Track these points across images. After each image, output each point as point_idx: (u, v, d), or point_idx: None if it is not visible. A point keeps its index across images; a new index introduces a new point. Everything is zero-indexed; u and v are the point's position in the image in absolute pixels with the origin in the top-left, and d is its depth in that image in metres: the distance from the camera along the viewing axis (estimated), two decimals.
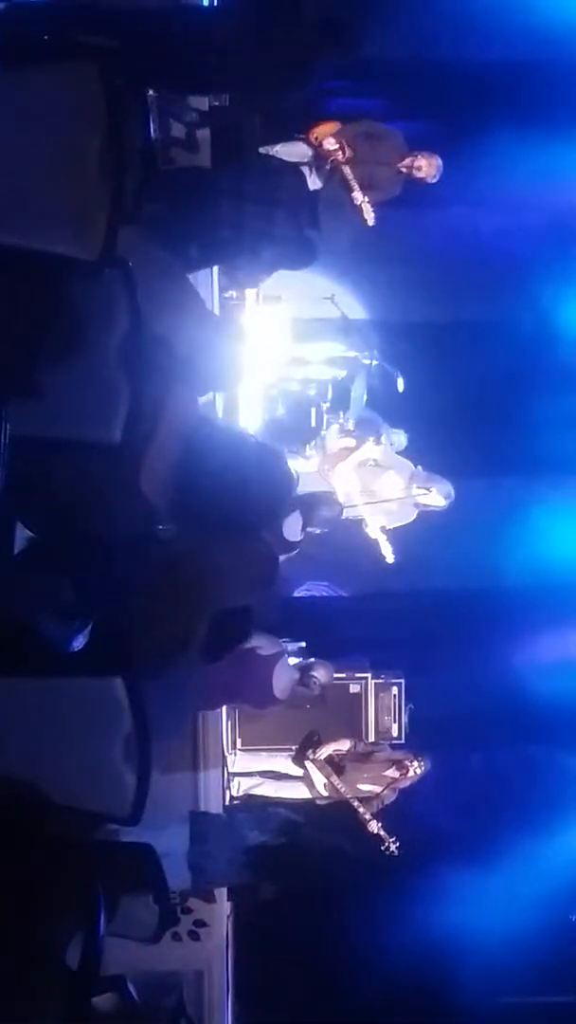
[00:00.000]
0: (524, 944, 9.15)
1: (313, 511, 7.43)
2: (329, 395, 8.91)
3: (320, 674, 8.19)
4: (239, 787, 8.69)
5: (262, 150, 8.09)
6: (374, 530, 8.81)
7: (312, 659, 8.33)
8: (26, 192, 4.37)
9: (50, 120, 4.50)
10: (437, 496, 8.80)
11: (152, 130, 6.43)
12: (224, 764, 8.36)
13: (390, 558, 8.82)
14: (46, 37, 5.50)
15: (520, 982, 9.42)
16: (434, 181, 8.97)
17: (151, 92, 6.29)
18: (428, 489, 8.79)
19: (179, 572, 5.08)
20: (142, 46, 5.50)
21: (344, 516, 8.42)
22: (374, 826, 8.52)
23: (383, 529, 8.84)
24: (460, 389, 9.83)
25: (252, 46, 5.85)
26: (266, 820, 8.09)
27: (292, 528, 7.10)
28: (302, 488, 7.33)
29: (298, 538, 7.24)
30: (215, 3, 7.52)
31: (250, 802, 8.62)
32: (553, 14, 9.36)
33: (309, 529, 7.44)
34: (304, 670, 8.12)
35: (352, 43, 6.61)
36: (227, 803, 8.35)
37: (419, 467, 9.01)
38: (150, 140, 6.32)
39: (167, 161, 6.73)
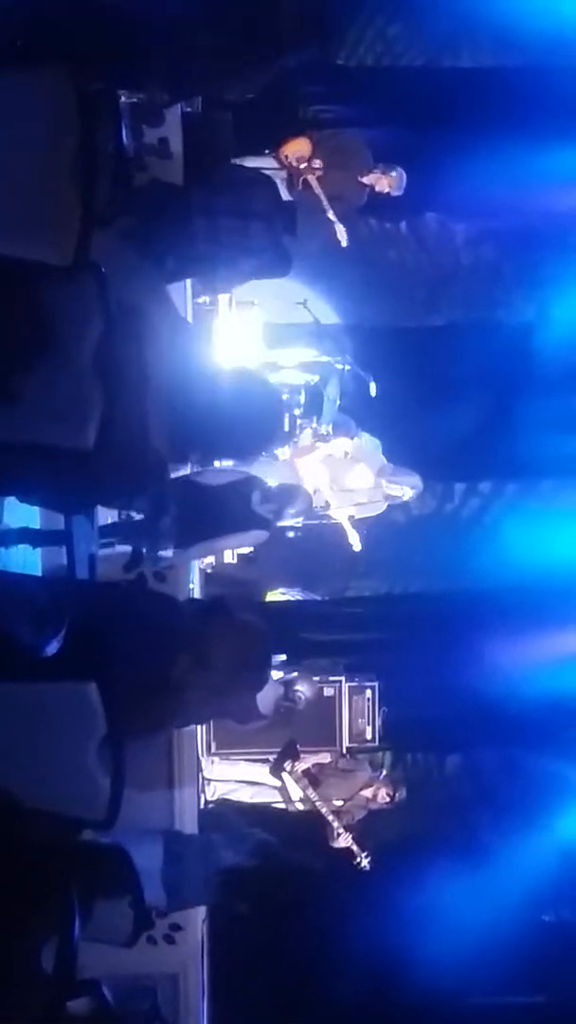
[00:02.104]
0: (497, 945, 9.18)
1: (284, 504, 7.36)
2: (302, 400, 8.96)
3: (304, 688, 8.21)
4: (214, 791, 8.70)
5: (234, 163, 8.12)
6: (341, 517, 8.89)
7: (295, 673, 8.35)
8: None
9: (21, 124, 4.50)
10: (405, 488, 8.96)
11: (125, 136, 6.44)
12: (199, 769, 8.36)
13: (357, 546, 8.92)
14: (19, 43, 5.51)
15: (493, 983, 9.45)
16: (398, 194, 9.13)
17: (124, 95, 6.29)
18: (396, 481, 8.94)
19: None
20: (115, 30, 5.49)
21: (314, 507, 8.46)
22: (346, 840, 8.57)
23: (351, 519, 8.93)
24: (432, 393, 9.88)
25: (227, 33, 5.86)
26: (241, 841, 8.10)
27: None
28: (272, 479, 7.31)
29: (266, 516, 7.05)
30: None
31: (224, 807, 8.62)
32: (528, 22, 9.43)
33: (279, 523, 7.37)
34: (288, 685, 8.14)
35: (329, 36, 6.64)
36: (202, 807, 8.35)
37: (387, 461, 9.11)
38: (123, 146, 6.33)
39: (140, 167, 6.73)
